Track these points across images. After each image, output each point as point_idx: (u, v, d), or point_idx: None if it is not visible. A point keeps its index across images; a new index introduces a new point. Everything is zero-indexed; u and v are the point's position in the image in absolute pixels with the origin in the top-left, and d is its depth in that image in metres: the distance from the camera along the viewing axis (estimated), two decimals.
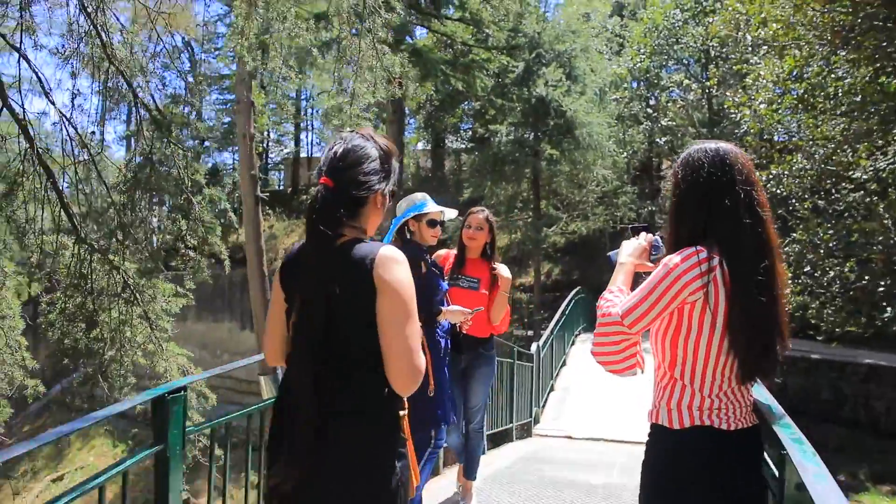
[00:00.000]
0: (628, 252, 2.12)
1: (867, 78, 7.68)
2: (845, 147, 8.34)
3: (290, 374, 1.79)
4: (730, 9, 10.03)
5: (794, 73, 8.63)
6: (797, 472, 1.47)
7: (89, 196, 4.78)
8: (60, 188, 4.61)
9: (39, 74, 4.23)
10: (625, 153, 20.71)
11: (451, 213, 3.89)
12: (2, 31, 4.39)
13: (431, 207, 3.68)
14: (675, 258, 1.82)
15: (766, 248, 1.83)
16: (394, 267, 1.69)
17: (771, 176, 9.01)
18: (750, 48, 13.72)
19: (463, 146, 26.40)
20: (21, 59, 4.10)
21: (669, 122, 20.01)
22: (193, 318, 25.93)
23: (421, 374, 1.68)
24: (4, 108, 4.13)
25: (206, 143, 35.63)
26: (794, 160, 8.96)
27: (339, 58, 5.51)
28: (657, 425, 1.90)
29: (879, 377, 13.58)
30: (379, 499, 1.70)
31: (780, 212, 9.13)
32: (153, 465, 2.11)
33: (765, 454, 1.94)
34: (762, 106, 8.63)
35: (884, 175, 7.97)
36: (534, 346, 9.47)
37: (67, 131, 4.32)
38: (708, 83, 16.54)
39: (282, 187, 38.03)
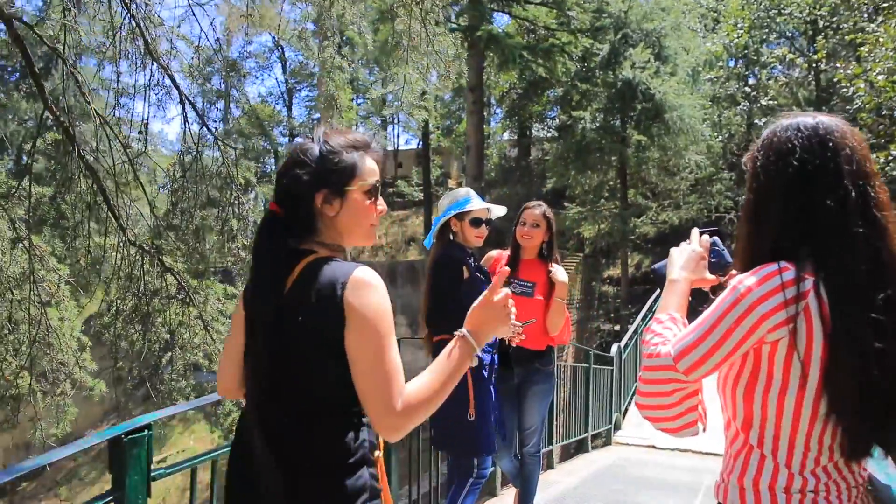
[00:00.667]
0: (680, 264, 1.58)
1: None
2: None
3: (243, 418, 1.58)
4: None
5: None
6: None
7: (135, 198, 4.68)
8: (105, 189, 4.52)
9: (77, 75, 4.15)
10: (720, 137, 19.32)
11: (499, 211, 3.43)
12: (44, 34, 4.33)
13: (476, 204, 3.24)
14: (748, 279, 1.31)
15: (887, 269, 1.28)
16: (367, 292, 1.44)
17: (891, 158, 7.89)
18: (866, 15, 12.33)
19: (548, 135, 25.63)
20: (59, 60, 4.01)
21: (770, 102, 18.44)
22: None
23: (408, 417, 1.41)
24: (46, 112, 4.07)
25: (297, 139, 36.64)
26: None
27: (393, 44, 5.13)
28: None
29: None
30: None
31: None
32: None
33: None
34: (880, 77, 7.55)
35: None
36: (614, 348, 8.83)
37: (105, 132, 4.21)
38: (815, 56, 15.02)
39: None
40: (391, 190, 34.53)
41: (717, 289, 1.66)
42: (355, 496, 1.46)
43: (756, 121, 18.82)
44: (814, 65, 16.26)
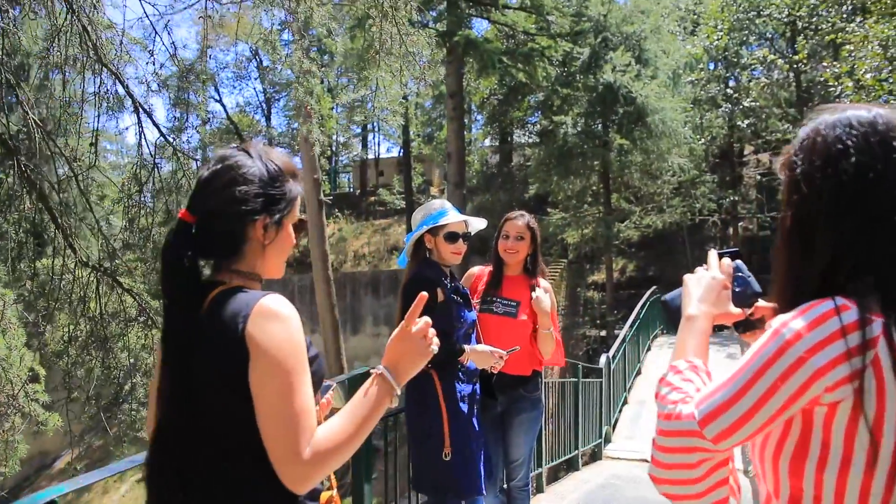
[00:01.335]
0: (699, 295, 1.27)
1: None
2: None
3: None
4: None
5: None
6: None
7: (83, 214, 4.31)
8: (52, 207, 4.16)
9: (12, 80, 3.79)
10: (702, 139, 19.22)
11: (478, 224, 3.12)
12: None
13: (451, 217, 2.92)
14: (795, 322, 1.01)
15: None
16: (271, 323, 1.29)
17: None
18: (845, 15, 12.26)
19: (530, 140, 25.43)
20: None
21: (752, 104, 18.37)
22: None
23: (316, 466, 1.26)
24: None
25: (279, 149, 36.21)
26: None
27: (365, 46, 4.81)
28: None
29: None
30: None
31: None
32: None
33: None
34: (868, 76, 7.36)
35: None
36: (603, 359, 8.55)
37: (48, 145, 3.85)
38: (796, 57, 14.92)
39: (352, 189, 38.27)
40: (373, 199, 34.22)
41: (743, 325, 1.36)
42: None
43: (738, 123, 18.73)
44: (794, 66, 16.19)
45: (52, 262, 4.21)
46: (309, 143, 16.77)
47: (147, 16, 4.15)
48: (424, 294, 1.47)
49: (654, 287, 16.86)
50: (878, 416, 0.97)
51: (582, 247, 21.25)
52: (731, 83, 19.75)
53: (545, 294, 3.20)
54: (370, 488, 3.17)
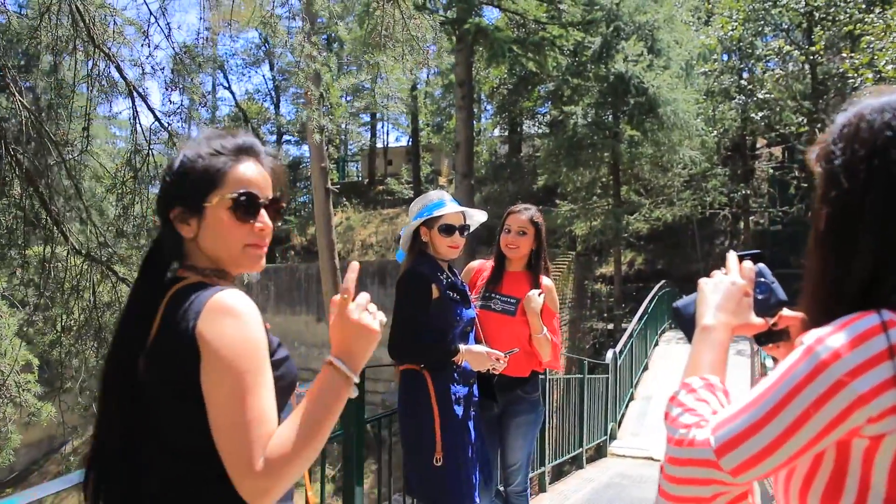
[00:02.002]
0: (716, 303, 1.11)
1: None
2: None
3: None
4: None
5: None
6: None
7: (76, 202, 4.19)
8: (42, 192, 4.04)
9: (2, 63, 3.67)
10: (715, 132, 18.89)
11: (478, 217, 2.97)
12: None
13: (448, 209, 2.77)
14: (833, 338, 0.86)
15: None
16: (223, 321, 1.17)
17: None
18: (864, 5, 11.98)
19: (540, 131, 25.18)
20: None
21: (766, 96, 18.03)
22: (272, 311, 26.27)
23: (273, 478, 1.12)
24: None
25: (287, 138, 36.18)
26: None
27: (369, 30, 4.66)
28: None
29: None
30: None
31: None
32: None
33: None
34: (889, 67, 7.12)
35: None
36: (609, 354, 8.40)
37: (36, 129, 3.72)
38: (812, 48, 14.58)
39: (360, 178, 38.17)
40: (381, 188, 34.08)
41: (765, 337, 1.20)
42: None
43: (752, 115, 18.41)
44: (810, 57, 15.85)
45: (44, 249, 4.10)
46: (312, 130, 16.67)
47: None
48: (356, 264, 1.29)
49: (663, 281, 16.68)
50: None
51: (590, 239, 20.99)
52: (745, 75, 19.39)
53: (539, 296, 3.04)
54: (361, 491, 3.04)
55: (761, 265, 1.18)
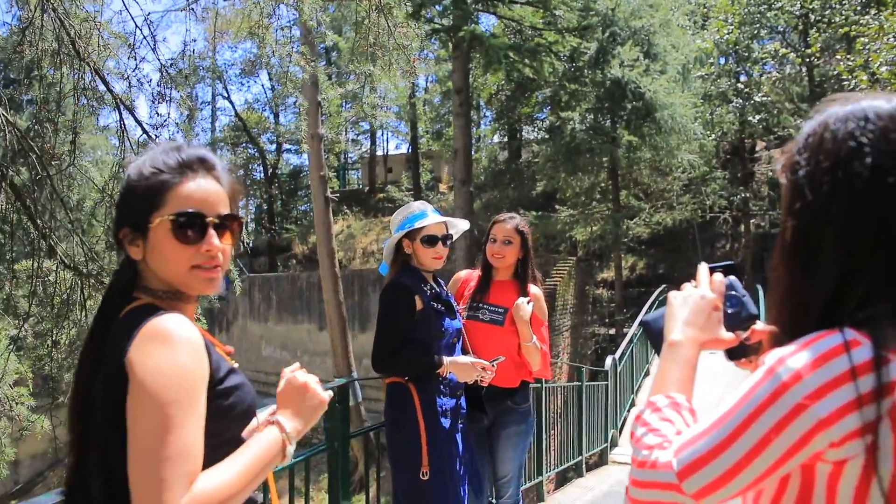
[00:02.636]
0: (685, 317, 1.08)
1: None
2: None
3: None
4: None
5: None
6: None
7: (62, 216, 4.16)
8: (28, 206, 4.02)
9: None
10: (713, 135, 18.88)
11: (461, 225, 2.93)
12: None
13: (430, 220, 2.74)
14: (795, 358, 0.82)
15: None
16: (152, 350, 1.11)
17: None
18: (859, 7, 11.97)
19: (539, 137, 25.19)
20: None
21: (764, 99, 18.01)
22: (275, 320, 26.23)
23: None
24: None
25: (286, 146, 36.25)
26: None
27: (359, 39, 4.65)
28: None
29: None
30: None
31: None
32: None
33: None
34: (883, 69, 7.08)
35: None
36: (608, 360, 8.34)
37: (20, 142, 3.70)
38: (809, 51, 14.58)
39: (361, 186, 38.21)
40: (381, 196, 34.09)
41: (735, 352, 1.17)
42: None
43: (749, 118, 18.39)
44: (807, 59, 15.84)
45: (33, 264, 4.07)
46: (314, 139, 16.67)
47: (126, 8, 3.99)
48: (297, 364, 1.37)
49: (665, 286, 16.61)
50: (895, 478, 0.77)
51: (591, 244, 20.95)
52: (742, 78, 19.39)
53: (528, 304, 3.00)
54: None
55: (732, 278, 1.14)
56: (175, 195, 1.22)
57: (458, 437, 2.72)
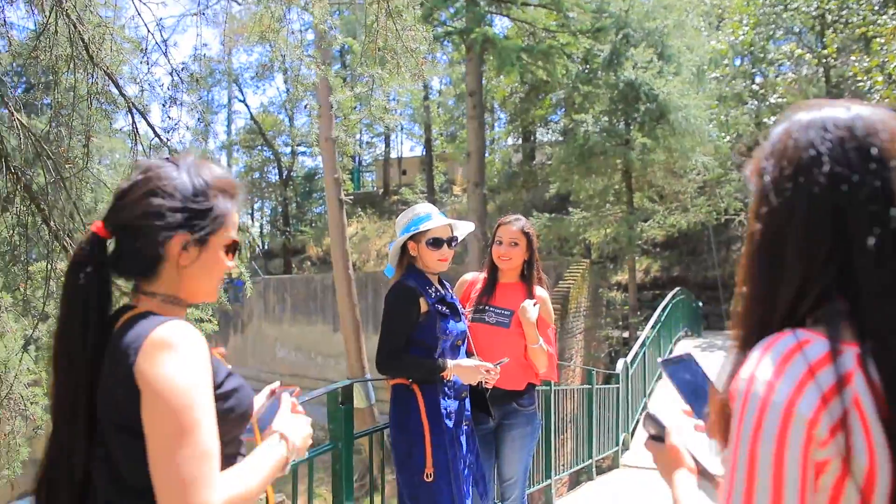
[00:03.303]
0: (664, 469, 1.17)
1: None
2: None
3: None
4: None
5: None
6: None
7: (77, 219, 4.22)
8: (43, 208, 4.09)
9: None
10: (728, 137, 18.74)
11: (466, 227, 2.94)
12: None
13: (435, 222, 2.75)
14: (760, 370, 0.82)
15: None
16: (162, 356, 1.15)
17: None
18: (876, 7, 11.83)
19: (552, 139, 25.15)
20: None
21: (779, 100, 17.84)
22: (289, 321, 26.37)
23: None
24: None
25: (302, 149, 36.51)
26: None
27: (368, 41, 4.68)
28: None
29: None
30: None
31: None
32: None
33: None
34: None
35: None
36: (620, 364, 8.30)
37: (35, 146, 3.77)
38: (825, 51, 14.44)
39: (375, 188, 38.37)
40: (396, 198, 34.21)
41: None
42: None
43: (765, 120, 18.22)
44: (823, 60, 15.69)
45: (47, 266, 4.15)
46: (328, 142, 16.78)
47: (138, 13, 4.05)
48: (273, 385, 1.57)
49: (678, 288, 16.51)
50: (869, 474, 0.78)
51: (604, 247, 20.85)
52: (758, 79, 19.26)
53: (534, 306, 3.01)
54: None
55: (650, 411, 1.20)
56: (232, 220, 1.35)
57: (463, 438, 2.73)
